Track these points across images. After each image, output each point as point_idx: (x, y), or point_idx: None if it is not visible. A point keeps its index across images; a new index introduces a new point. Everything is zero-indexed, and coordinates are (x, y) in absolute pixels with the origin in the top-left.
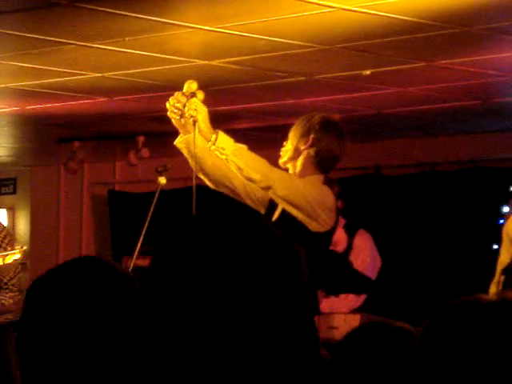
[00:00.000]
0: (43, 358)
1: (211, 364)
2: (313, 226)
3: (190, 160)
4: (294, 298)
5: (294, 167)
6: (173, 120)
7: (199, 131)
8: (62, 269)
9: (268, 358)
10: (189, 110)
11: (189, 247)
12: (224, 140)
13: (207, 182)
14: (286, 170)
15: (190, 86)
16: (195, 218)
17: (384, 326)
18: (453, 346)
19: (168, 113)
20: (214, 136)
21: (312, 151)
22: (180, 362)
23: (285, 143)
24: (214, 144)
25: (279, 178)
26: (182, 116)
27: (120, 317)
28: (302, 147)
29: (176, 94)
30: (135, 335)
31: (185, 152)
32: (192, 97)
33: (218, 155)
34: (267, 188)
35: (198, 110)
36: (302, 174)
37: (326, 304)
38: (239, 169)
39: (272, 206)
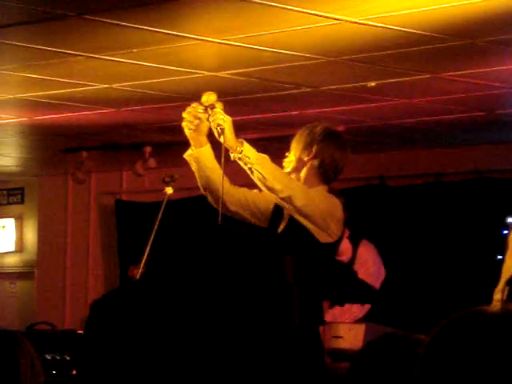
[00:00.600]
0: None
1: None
2: (322, 237)
3: (197, 173)
4: (282, 310)
5: (298, 178)
6: (186, 131)
7: (225, 140)
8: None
9: (252, 366)
10: (215, 119)
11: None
12: (249, 149)
13: (209, 199)
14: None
15: (210, 97)
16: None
17: (403, 337)
18: (458, 356)
19: (183, 123)
20: (240, 145)
21: (316, 162)
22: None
23: (287, 154)
24: (240, 153)
25: (299, 188)
26: (196, 128)
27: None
28: (306, 158)
29: (194, 104)
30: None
31: (193, 165)
32: (212, 108)
33: (241, 164)
34: (287, 198)
35: (225, 118)
36: (306, 185)
37: (331, 314)
38: (263, 178)
39: (276, 218)
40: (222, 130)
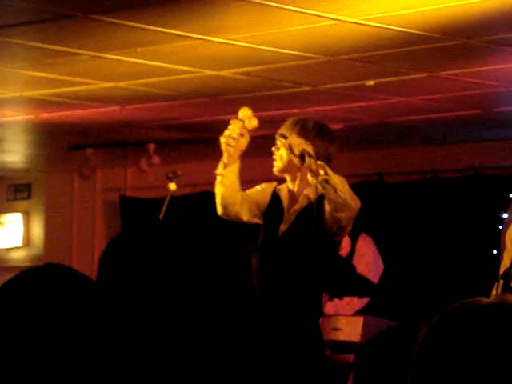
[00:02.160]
0: (4, 362)
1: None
2: (336, 237)
3: (222, 189)
4: (241, 304)
5: (294, 176)
6: (225, 147)
7: (309, 165)
8: (23, 276)
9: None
10: (299, 144)
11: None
12: (329, 170)
13: (224, 212)
14: (282, 177)
15: (244, 112)
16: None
17: (409, 329)
18: (454, 347)
19: (222, 139)
20: (322, 168)
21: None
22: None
23: (275, 150)
24: (325, 175)
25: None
26: (235, 144)
27: (81, 319)
28: (299, 154)
29: (234, 121)
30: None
31: (222, 181)
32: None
33: (318, 185)
34: (345, 207)
35: (306, 144)
36: (303, 181)
37: (331, 306)
38: (343, 199)
39: (273, 219)
40: (309, 154)
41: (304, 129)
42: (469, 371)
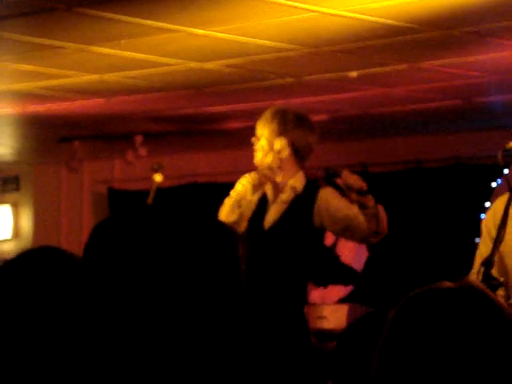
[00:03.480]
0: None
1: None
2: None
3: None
4: (230, 286)
5: (276, 167)
6: (266, 176)
7: (365, 201)
8: (18, 259)
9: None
10: (356, 179)
11: (127, 235)
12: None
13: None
14: (264, 168)
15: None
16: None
17: (386, 314)
18: (418, 330)
19: (262, 172)
20: (372, 201)
21: (291, 149)
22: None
23: (255, 140)
24: (375, 205)
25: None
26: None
27: (74, 301)
28: (280, 146)
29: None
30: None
31: (240, 196)
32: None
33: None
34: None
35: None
36: (286, 173)
37: (315, 295)
38: (381, 224)
39: (259, 214)
40: (363, 190)
41: (284, 120)
42: (432, 354)
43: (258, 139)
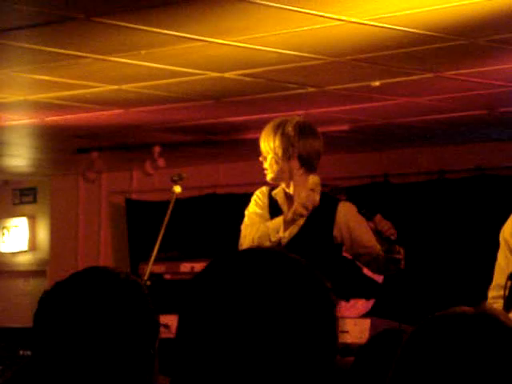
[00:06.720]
0: (56, 363)
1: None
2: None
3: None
4: (325, 330)
5: (287, 183)
6: (301, 215)
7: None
8: (71, 280)
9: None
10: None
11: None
12: None
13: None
14: (275, 185)
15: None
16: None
17: (405, 332)
18: (430, 356)
19: (302, 212)
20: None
21: (299, 161)
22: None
23: (262, 159)
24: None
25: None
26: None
27: (125, 319)
28: (288, 160)
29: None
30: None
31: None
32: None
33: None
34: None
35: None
36: (299, 186)
37: (337, 309)
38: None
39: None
40: (393, 238)
41: (285, 134)
42: (443, 380)
43: (265, 159)
